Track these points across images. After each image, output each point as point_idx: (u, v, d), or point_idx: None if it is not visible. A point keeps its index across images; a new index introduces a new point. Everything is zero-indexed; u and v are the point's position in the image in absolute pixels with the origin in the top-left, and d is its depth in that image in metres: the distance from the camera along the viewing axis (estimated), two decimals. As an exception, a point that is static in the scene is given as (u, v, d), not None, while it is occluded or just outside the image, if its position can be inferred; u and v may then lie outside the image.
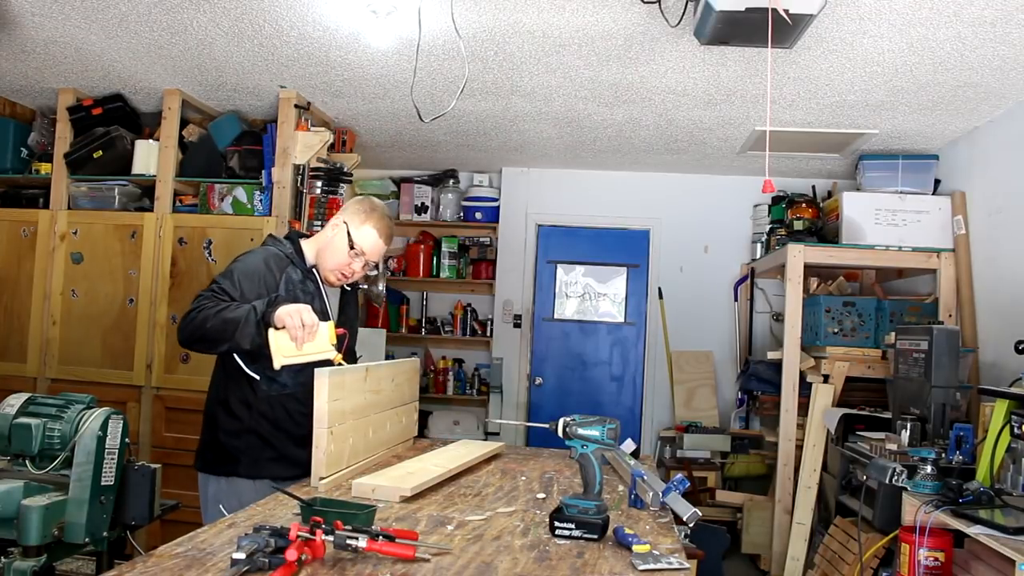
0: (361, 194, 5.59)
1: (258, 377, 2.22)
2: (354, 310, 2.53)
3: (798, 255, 4.21)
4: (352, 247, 2.27)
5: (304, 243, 2.35)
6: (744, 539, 4.56)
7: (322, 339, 2.03)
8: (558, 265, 5.71)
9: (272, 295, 2.10)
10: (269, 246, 2.33)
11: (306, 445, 1.98)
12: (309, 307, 2.02)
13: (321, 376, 1.93)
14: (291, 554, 1.27)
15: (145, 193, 4.21)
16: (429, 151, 5.21)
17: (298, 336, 1.97)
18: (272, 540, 1.30)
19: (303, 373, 2.17)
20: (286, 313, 1.97)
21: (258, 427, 2.22)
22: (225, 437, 2.23)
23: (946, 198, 4.20)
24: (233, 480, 2.21)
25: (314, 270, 2.33)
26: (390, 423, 2.40)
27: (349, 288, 2.47)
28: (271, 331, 1.99)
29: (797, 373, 4.19)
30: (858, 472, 3.52)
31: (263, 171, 4.04)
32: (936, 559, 2.69)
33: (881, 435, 3.43)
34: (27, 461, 1.94)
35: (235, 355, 2.20)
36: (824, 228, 4.63)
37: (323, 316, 2.21)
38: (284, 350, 1.99)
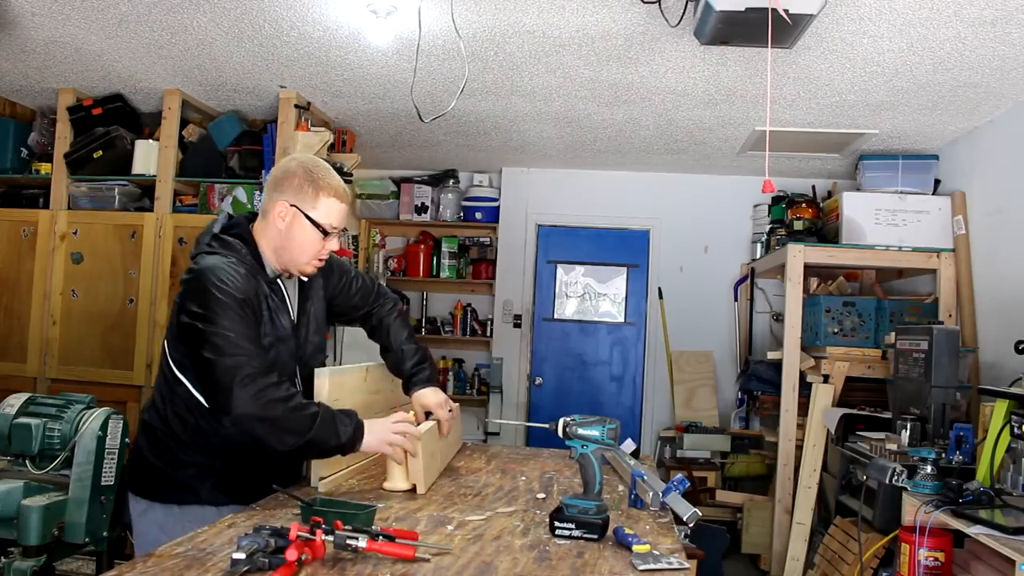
0: (361, 194, 5.59)
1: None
2: (318, 304, 2.04)
3: (798, 255, 4.21)
4: (323, 232, 1.84)
5: (259, 243, 1.88)
6: (744, 539, 4.56)
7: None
8: (558, 265, 5.71)
9: (351, 415, 1.80)
10: (230, 256, 1.84)
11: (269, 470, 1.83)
12: (404, 424, 1.87)
13: (321, 376, 1.92)
14: (291, 554, 1.27)
15: (145, 193, 4.21)
16: (429, 151, 5.21)
17: (399, 457, 1.88)
18: (272, 540, 1.30)
19: None
20: (383, 444, 1.83)
21: (224, 459, 1.85)
22: (182, 469, 1.84)
23: (946, 198, 4.20)
24: (188, 508, 1.82)
25: (279, 280, 1.91)
26: (390, 423, 2.40)
27: (307, 279, 1.98)
28: None
29: (797, 373, 4.19)
30: (858, 472, 3.51)
31: (263, 171, 4.04)
32: (936, 559, 2.69)
33: (881, 435, 3.42)
34: (27, 461, 1.94)
35: (193, 388, 1.83)
36: (824, 228, 4.63)
37: (292, 330, 1.90)
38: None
